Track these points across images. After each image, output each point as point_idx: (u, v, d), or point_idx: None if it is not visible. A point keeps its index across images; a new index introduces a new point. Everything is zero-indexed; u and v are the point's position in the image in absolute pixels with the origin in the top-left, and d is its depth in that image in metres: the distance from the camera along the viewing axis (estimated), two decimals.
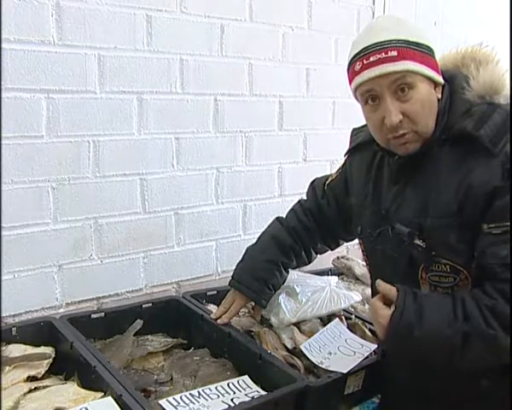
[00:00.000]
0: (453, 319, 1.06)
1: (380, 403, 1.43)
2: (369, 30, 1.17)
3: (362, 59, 1.14)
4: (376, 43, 1.12)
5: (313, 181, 1.62)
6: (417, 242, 1.16)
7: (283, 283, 1.59)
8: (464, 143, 1.12)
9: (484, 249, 1.08)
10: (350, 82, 1.20)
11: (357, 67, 1.14)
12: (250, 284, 1.53)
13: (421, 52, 1.13)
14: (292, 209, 1.63)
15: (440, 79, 1.16)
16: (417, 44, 1.12)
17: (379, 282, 1.18)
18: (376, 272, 1.35)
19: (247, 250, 1.61)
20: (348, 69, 1.20)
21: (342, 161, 1.52)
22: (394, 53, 1.11)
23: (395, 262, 1.23)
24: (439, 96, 1.17)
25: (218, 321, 1.55)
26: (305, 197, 1.63)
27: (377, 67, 1.11)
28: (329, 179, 1.54)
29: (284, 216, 1.62)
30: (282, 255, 1.54)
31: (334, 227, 1.54)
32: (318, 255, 1.64)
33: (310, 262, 1.63)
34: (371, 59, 1.12)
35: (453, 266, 1.14)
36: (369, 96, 1.15)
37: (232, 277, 1.58)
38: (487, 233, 1.08)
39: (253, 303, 1.64)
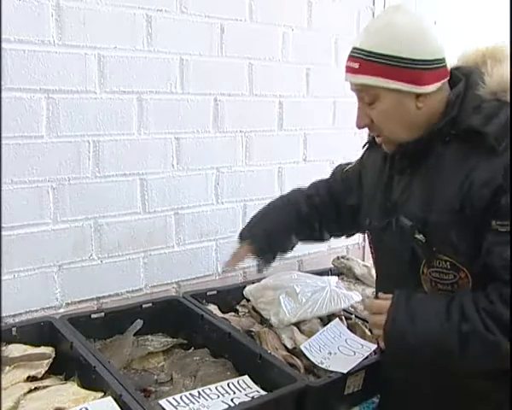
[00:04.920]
0: (446, 322, 1.06)
1: (379, 402, 1.44)
2: (364, 28, 1.19)
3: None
4: (353, 49, 1.17)
5: (339, 165, 1.64)
6: (418, 236, 1.16)
7: (291, 249, 1.57)
8: (471, 140, 1.11)
9: (490, 248, 1.08)
10: None
11: None
12: (257, 236, 1.51)
13: (390, 65, 1.11)
14: (313, 183, 1.63)
15: (419, 90, 1.13)
16: (387, 57, 1.11)
17: (380, 295, 1.22)
18: (381, 267, 1.37)
19: (260, 210, 1.60)
20: None
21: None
22: (356, 65, 1.15)
23: (398, 256, 1.23)
24: (421, 104, 1.14)
25: (223, 267, 1.54)
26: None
27: (346, 73, 1.18)
28: (348, 167, 1.55)
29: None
30: (296, 220, 1.53)
31: (344, 213, 1.53)
32: (326, 246, 1.61)
33: (322, 239, 1.61)
34: (346, 63, 1.18)
35: (453, 263, 1.14)
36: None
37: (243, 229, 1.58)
38: (495, 230, 1.06)
39: (253, 304, 1.65)
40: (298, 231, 1.54)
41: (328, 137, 2.24)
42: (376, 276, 1.42)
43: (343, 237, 1.65)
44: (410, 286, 1.18)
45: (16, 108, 1.52)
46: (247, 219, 2.03)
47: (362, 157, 1.49)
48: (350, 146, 2.29)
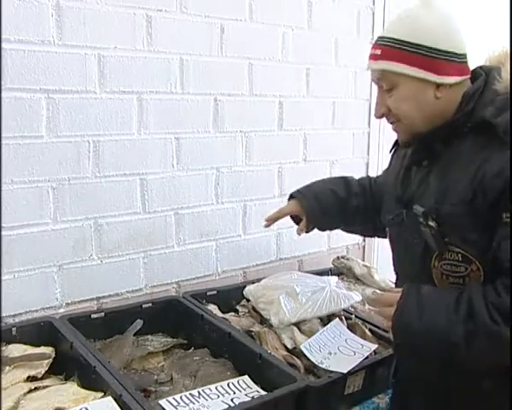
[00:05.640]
0: (455, 315, 1.06)
1: (392, 395, 1.43)
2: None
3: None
4: (377, 38, 1.20)
5: None
6: (430, 223, 1.16)
7: (333, 223, 1.63)
8: (485, 132, 1.12)
9: (499, 241, 1.08)
10: None
11: None
12: (307, 194, 1.57)
13: (412, 52, 1.13)
14: (368, 175, 1.70)
15: (439, 79, 1.15)
16: (410, 44, 1.13)
17: (391, 288, 1.21)
18: (397, 265, 1.37)
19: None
20: None
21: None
22: (378, 51, 1.17)
23: (412, 249, 1.24)
24: (440, 94, 1.16)
25: (265, 218, 1.60)
26: None
27: (368, 61, 1.21)
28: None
29: None
30: (344, 191, 1.57)
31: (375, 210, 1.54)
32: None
33: (364, 229, 1.66)
34: (370, 52, 1.21)
35: (465, 255, 1.14)
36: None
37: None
38: (505, 223, 1.06)
39: (253, 304, 1.64)
40: (343, 203, 1.57)
41: (328, 138, 2.23)
42: (395, 278, 1.41)
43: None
44: (423, 282, 1.18)
45: (16, 108, 1.52)
46: (247, 219, 2.05)
47: (390, 160, 1.49)
48: (349, 146, 2.30)
